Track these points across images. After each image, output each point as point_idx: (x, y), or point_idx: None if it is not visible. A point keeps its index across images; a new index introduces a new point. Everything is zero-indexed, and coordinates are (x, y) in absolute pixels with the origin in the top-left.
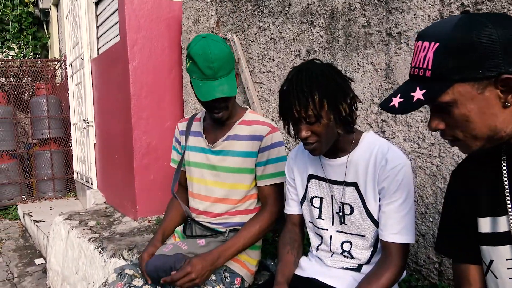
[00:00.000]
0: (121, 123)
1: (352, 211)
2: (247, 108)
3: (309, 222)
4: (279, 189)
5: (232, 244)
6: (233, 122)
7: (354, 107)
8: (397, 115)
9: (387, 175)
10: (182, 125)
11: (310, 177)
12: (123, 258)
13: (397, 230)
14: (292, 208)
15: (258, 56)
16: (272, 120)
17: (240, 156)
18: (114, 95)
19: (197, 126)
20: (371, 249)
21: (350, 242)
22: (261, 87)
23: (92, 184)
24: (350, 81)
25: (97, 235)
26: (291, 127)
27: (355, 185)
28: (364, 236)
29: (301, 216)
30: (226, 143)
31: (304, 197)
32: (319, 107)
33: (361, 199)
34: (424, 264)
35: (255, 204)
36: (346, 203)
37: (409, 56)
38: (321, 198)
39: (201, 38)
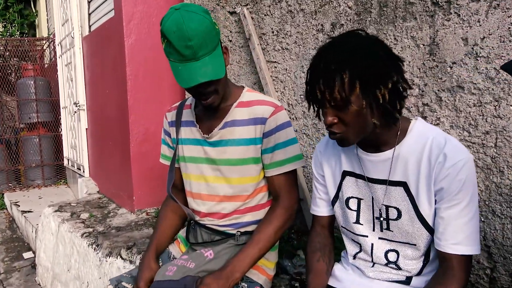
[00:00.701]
0: (116, 107)
1: (399, 215)
2: (243, 87)
3: (343, 227)
4: (292, 178)
5: (247, 253)
6: (229, 105)
7: (399, 93)
8: (443, 98)
9: (446, 173)
10: (170, 115)
11: (345, 174)
12: (121, 257)
13: (460, 240)
14: (320, 208)
15: (273, 32)
16: (288, 105)
17: (241, 145)
18: (108, 76)
19: (188, 114)
20: (422, 258)
21: (397, 252)
22: (275, 67)
23: (84, 171)
24: (399, 61)
25: (90, 229)
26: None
27: (403, 184)
28: (414, 244)
29: (332, 217)
30: (224, 132)
31: (337, 197)
32: (348, 89)
33: (411, 201)
34: (472, 269)
35: (267, 197)
36: (392, 206)
37: (461, 28)
38: (359, 199)
39: (174, 11)
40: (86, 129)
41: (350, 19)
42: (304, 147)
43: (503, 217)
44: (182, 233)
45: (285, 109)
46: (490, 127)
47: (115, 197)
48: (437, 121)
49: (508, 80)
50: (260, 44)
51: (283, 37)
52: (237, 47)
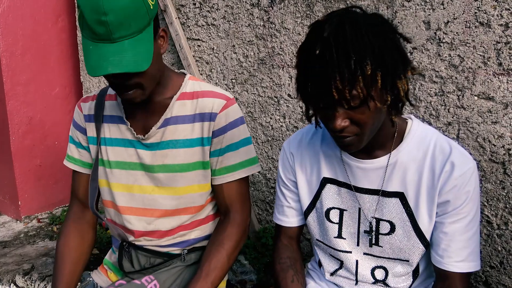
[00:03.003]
0: None
1: (392, 230)
2: (184, 74)
3: (319, 241)
4: (245, 186)
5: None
6: (168, 98)
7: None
8: None
9: (453, 184)
10: (87, 107)
11: (326, 181)
12: (16, 286)
13: (464, 257)
14: (289, 218)
15: (194, 4)
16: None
17: (186, 147)
18: None
19: (113, 107)
20: (411, 273)
21: (385, 269)
22: (199, 45)
23: None
24: (407, 41)
25: None
26: (312, 110)
27: (400, 195)
28: (407, 260)
29: (301, 227)
30: (164, 131)
31: (312, 207)
32: (370, 83)
33: (408, 214)
34: None
35: (217, 208)
36: (384, 220)
37: (423, 11)
38: (342, 211)
39: None
40: None
41: None
42: None
43: None
44: (110, 257)
45: None
46: (452, 117)
47: None
48: None
49: (473, 68)
50: (179, 17)
51: (208, 11)
52: None
